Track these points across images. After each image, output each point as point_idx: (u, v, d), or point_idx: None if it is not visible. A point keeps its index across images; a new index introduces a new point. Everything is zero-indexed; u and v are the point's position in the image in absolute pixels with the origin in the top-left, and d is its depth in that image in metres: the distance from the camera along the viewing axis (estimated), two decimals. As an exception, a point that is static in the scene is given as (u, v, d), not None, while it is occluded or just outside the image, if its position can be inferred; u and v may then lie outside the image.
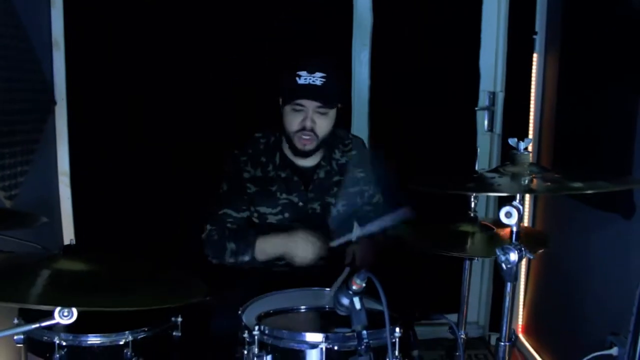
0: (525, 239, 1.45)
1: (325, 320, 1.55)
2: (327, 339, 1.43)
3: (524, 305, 2.99)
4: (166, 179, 2.85)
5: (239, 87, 2.82)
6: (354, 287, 1.33)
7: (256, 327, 1.49)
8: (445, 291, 2.47)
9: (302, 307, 1.66)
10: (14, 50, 2.27)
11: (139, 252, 2.19)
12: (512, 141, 1.55)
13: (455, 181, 1.59)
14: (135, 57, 2.76)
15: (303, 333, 1.46)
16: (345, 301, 1.34)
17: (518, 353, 2.91)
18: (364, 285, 1.33)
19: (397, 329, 1.44)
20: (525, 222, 2.78)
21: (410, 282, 1.96)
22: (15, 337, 1.69)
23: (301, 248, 1.91)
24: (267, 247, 1.98)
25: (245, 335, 1.55)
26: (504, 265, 1.42)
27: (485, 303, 3.20)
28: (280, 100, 2.05)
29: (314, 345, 1.43)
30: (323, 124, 1.98)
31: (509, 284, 1.47)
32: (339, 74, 2.04)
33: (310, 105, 1.95)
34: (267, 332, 1.49)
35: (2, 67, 2.17)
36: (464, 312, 1.92)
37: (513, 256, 1.40)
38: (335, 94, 1.99)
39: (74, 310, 1.25)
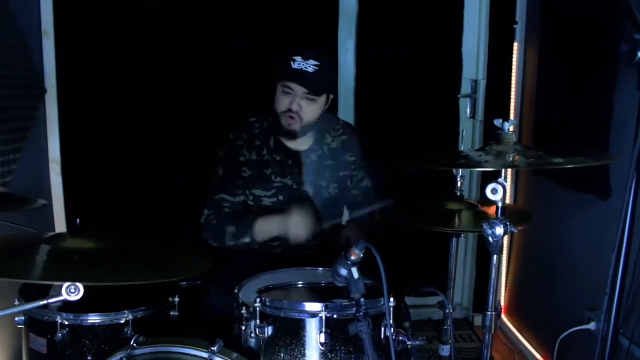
0: (510, 215, 1.53)
1: (323, 294, 1.61)
2: (326, 308, 1.49)
3: (506, 287, 3.08)
4: (158, 166, 2.88)
5: (230, 75, 2.85)
6: (353, 258, 1.39)
7: (257, 300, 1.54)
8: (431, 274, 2.54)
9: (299, 283, 1.72)
10: (3, 36, 2.27)
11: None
12: (497, 122, 1.62)
13: (445, 159, 1.66)
14: (125, 45, 2.78)
15: (303, 303, 1.52)
16: (343, 272, 1.40)
17: (501, 333, 3.00)
18: (362, 255, 1.39)
19: (391, 299, 1.49)
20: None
21: (399, 261, 2.02)
22: (17, 319, 1.72)
23: (297, 227, 1.97)
24: (266, 228, 2.03)
25: (243, 311, 1.60)
26: (490, 239, 1.50)
27: (469, 286, 3.29)
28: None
29: (314, 315, 1.49)
30: (309, 110, 2.03)
31: (495, 257, 1.54)
32: (332, 66, 2.09)
33: (298, 90, 2.00)
34: (268, 303, 1.54)
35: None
36: (452, 287, 1.99)
37: (499, 230, 1.48)
38: (325, 84, 2.04)
39: (81, 287, 1.29)
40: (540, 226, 2.61)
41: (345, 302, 1.49)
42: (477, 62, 3.09)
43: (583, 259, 2.36)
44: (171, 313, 1.80)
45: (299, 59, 1.98)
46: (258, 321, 1.53)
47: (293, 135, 2.09)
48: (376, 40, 3.02)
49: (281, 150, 2.15)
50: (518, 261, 3.00)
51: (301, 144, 2.14)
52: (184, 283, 1.94)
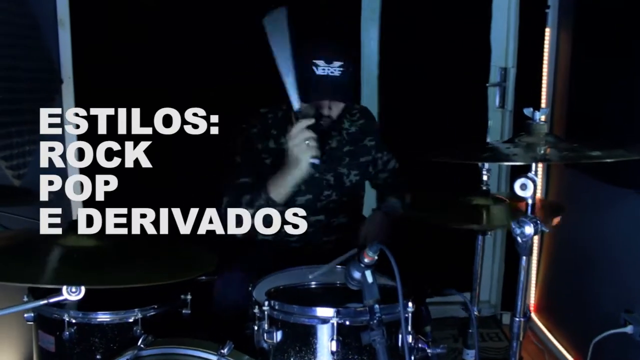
0: (540, 209, 1.42)
1: (337, 296, 1.52)
2: (338, 313, 1.41)
3: (536, 284, 2.97)
4: (172, 160, 2.82)
5: (244, 64, 2.78)
6: (366, 260, 1.30)
7: (266, 303, 1.47)
8: (456, 271, 2.45)
9: (313, 282, 1.64)
10: (18, 26, 2.24)
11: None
12: (527, 111, 1.51)
13: (470, 152, 1.55)
14: (141, 35, 2.73)
15: (314, 308, 1.44)
16: (356, 275, 1.32)
17: (530, 332, 2.90)
18: (376, 257, 1.30)
19: (410, 304, 1.41)
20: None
21: (421, 259, 1.93)
22: (26, 315, 1.69)
23: (296, 156, 1.77)
24: (278, 180, 1.84)
25: (256, 311, 1.54)
26: (519, 239, 1.40)
27: (497, 282, 3.18)
28: None
29: (325, 320, 1.41)
30: (338, 107, 1.92)
31: (524, 258, 1.44)
32: (354, 59, 1.97)
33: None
34: (277, 307, 1.47)
35: (6, 44, 2.14)
36: (477, 288, 1.90)
37: (528, 229, 1.38)
38: (351, 85, 1.94)
39: (82, 286, 1.24)
40: (573, 222, 2.49)
41: (359, 308, 1.40)
42: (506, 48, 2.98)
43: (619, 257, 2.24)
44: (183, 311, 1.74)
45: (321, 62, 1.81)
46: (267, 326, 1.46)
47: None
48: (400, 27, 2.92)
49: None
50: (549, 258, 2.89)
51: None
52: (203, 277, 1.88)
